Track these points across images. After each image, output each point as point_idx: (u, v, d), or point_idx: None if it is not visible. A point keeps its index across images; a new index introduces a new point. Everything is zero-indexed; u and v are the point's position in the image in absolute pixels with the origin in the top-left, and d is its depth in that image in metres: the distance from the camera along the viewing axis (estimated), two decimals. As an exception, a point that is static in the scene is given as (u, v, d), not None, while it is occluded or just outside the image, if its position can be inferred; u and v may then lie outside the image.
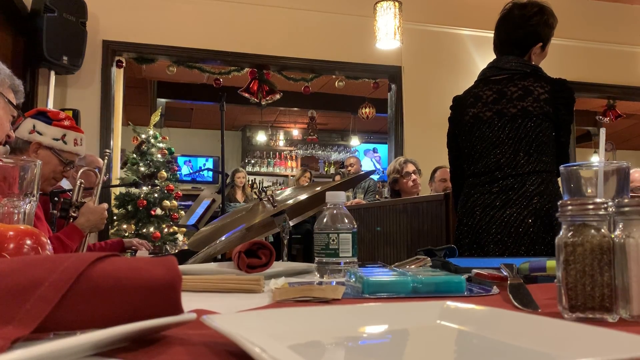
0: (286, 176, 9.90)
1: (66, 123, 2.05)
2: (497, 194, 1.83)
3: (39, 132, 1.98)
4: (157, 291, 0.46)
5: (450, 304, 0.57)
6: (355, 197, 5.29)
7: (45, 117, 2.01)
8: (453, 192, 2.08)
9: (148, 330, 0.45)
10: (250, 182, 8.72)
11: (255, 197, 1.51)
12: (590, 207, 0.58)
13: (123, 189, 4.70)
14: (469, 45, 5.06)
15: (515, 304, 0.67)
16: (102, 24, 4.39)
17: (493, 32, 2.00)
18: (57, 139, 2.00)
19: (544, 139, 1.83)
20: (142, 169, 4.75)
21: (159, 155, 4.85)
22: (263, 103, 5.59)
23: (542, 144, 1.83)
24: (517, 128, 1.83)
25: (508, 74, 1.90)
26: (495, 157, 1.85)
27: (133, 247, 2.88)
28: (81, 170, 2.20)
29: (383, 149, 9.79)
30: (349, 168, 6.17)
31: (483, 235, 1.82)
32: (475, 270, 0.94)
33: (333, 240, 1.05)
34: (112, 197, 4.63)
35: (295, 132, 9.99)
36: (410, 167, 3.76)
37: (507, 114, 1.85)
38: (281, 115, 9.23)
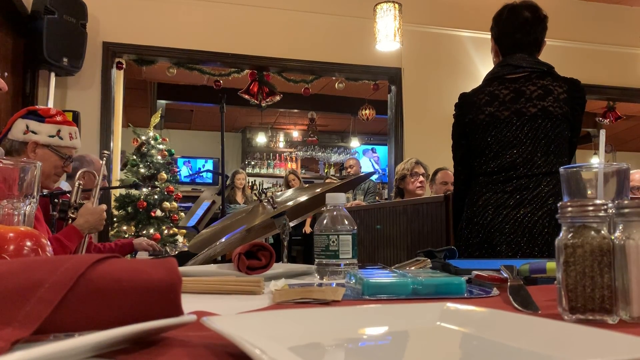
0: (286, 178, 9.91)
1: (58, 118, 2.04)
2: (510, 193, 1.80)
3: (33, 132, 1.97)
4: (157, 293, 0.46)
5: (451, 305, 0.57)
6: (355, 199, 5.29)
7: (37, 115, 2.00)
8: (458, 191, 2.03)
9: (148, 332, 0.45)
10: (250, 184, 8.72)
11: (255, 198, 1.51)
12: (590, 208, 0.58)
13: (123, 191, 4.70)
14: (469, 47, 5.07)
15: (516, 305, 0.67)
16: (102, 25, 4.39)
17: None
18: (52, 136, 2.00)
19: (561, 140, 1.83)
20: (142, 170, 4.75)
21: (159, 157, 4.85)
22: (263, 105, 5.59)
23: (560, 145, 1.83)
24: (537, 128, 1.81)
25: (525, 73, 1.88)
26: (511, 156, 1.82)
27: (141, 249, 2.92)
28: (79, 172, 2.20)
29: (382, 150, 9.80)
30: (349, 169, 6.17)
31: (495, 235, 1.79)
32: (475, 272, 0.94)
33: (333, 242, 1.05)
34: (112, 198, 4.63)
35: (295, 134, 9.99)
36: (420, 169, 3.78)
37: (527, 114, 1.83)
38: (281, 117, 9.23)
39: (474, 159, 1.93)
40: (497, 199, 1.82)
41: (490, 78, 1.95)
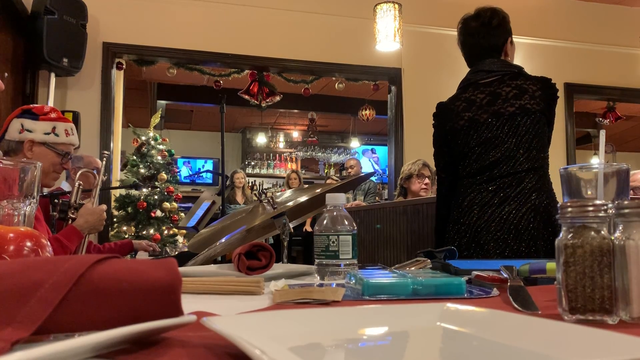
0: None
1: (53, 115, 2.03)
2: (494, 191, 1.84)
3: (28, 130, 1.96)
4: (157, 293, 0.46)
5: (451, 305, 0.57)
6: (355, 199, 5.30)
7: (31, 113, 2.00)
8: (443, 198, 2.05)
9: (148, 332, 0.45)
10: (250, 184, 8.72)
11: (255, 199, 1.51)
12: (590, 209, 0.58)
13: (123, 191, 4.70)
14: (469, 47, 5.06)
15: (516, 305, 0.67)
16: (102, 26, 4.39)
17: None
18: (48, 133, 1.99)
19: (542, 135, 1.88)
20: (142, 170, 4.75)
21: (159, 157, 4.85)
22: (263, 105, 5.59)
23: (541, 140, 1.88)
24: (517, 126, 1.86)
25: (498, 76, 1.94)
26: (494, 156, 1.87)
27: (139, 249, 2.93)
28: (80, 172, 2.20)
29: (381, 150, 9.79)
30: (349, 170, 6.17)
31: (482, 233, 1.82)
32: (475, 272, 0.94)
33: (333, 242, 1.05)
34: (112, 199, 4.63)
35: (295, 134, 9.99)
36: (427, 172, 3.79)
37: (505, 114, 1.87)
38: (281, 117, 9.23)
39: (457, 163, 1.97)
40: (481, 198, 1.86)
41: (464, 85, 2.01)
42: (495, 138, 1.87)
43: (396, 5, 4.03)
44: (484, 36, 1.98)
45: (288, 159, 10.13)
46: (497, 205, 1.82)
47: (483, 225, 1.83)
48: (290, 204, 1.35)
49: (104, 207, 2.12)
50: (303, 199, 1.38)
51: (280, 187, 9.77)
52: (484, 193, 1.86)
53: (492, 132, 1.88)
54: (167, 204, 4.67)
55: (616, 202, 0.61)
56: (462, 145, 1.94)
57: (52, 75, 4.06)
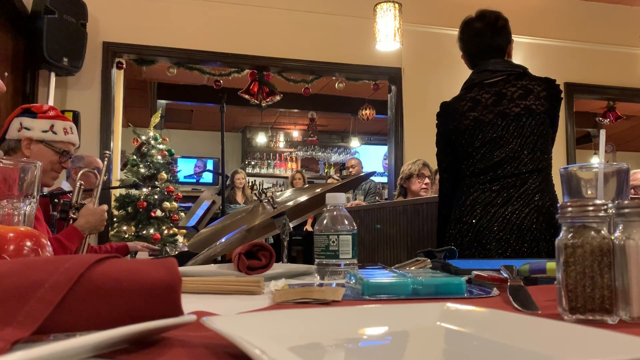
0: (286, 177, 9.90)
1: (51, 113, 2.03)
2: (498, 191, 1.84)
3: (26, 128, 1.96)
4: (157, 293, 0.46)
5: (451, 305, 0.57)
6: (355, 199, 5.29)
7: (30, 112, 2.00)
8: (444, 197, 2.05)
9: (148, 332, 0.45)
10: (250, 184, 8.72)
11: (255, 198, 1.51)
12: (590, 208, 0.58)
13: (123, 191, 4.70)
14: (469, 47, 5.06)
15: (516, 305, 0.67)
16: (102, 25, 4.39)
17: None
18: (45, 131, 1.99)
19: (546, 136, 1.89)
20: (142, 170, 4.75)
21: (159, 157, 4.85)
22: (263, 104, 5.59)
23: (545, 141, 1.88)
24: (522, 126, 1.86)
25: (503, 76, 1.94)
26: (498, 156, 1.86)
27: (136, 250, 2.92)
28: (81, 172, 2.21)
29: (381, 149, 9.73)
30: (351, 169, 6.16)
31: (484, 233, 1.82)
32: (475, 272, 0.94)
33: (333, 242, 1.05)
34: (112, 198, 4.63)
35: (296, 134, 9.98)
36: (427, 172, 3.80)
37: (510, 114, 1.87)
38: (281, 117, 9.23)
39: (461, 162, 1.97)
40: (484, 198, 1.86)
41: (469, 85, 2.01)
42: (500, 138, 1.87)
43: (396, 5, 4.03)
44: (491, 36, 1.98)
45: (288, 158, 10.13)
46: (500, 205, 1.82)
47: (485, 224, 1.82)
48: (290, 203, 1.35)
49: (105, 207, 2.12)
50: (303, 198, 1.38)
51: (280, 186, 9.77)
52: (487, 193, 1.86)
53: (497, 132, 1.87)
54: (167, 204, 4.67)
55: (616, 201, 0.61)
56: (467, 145, 1.93)
57: (52, 74, 4.05)
